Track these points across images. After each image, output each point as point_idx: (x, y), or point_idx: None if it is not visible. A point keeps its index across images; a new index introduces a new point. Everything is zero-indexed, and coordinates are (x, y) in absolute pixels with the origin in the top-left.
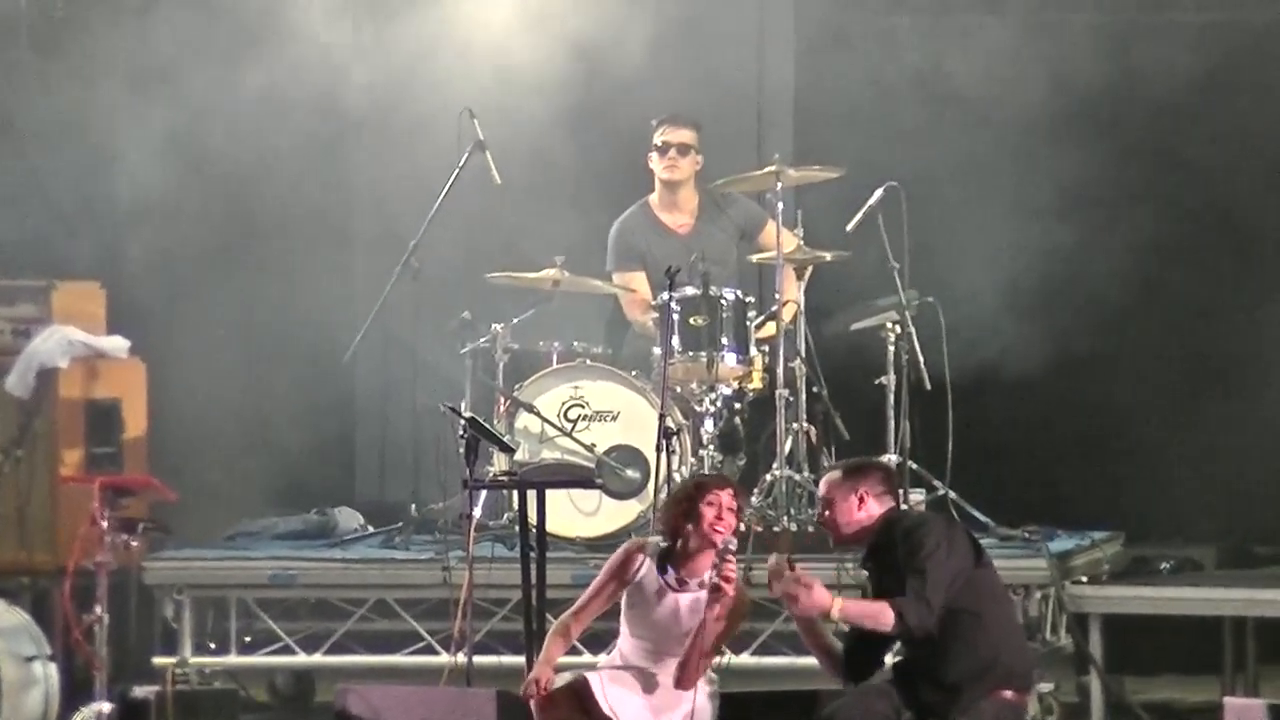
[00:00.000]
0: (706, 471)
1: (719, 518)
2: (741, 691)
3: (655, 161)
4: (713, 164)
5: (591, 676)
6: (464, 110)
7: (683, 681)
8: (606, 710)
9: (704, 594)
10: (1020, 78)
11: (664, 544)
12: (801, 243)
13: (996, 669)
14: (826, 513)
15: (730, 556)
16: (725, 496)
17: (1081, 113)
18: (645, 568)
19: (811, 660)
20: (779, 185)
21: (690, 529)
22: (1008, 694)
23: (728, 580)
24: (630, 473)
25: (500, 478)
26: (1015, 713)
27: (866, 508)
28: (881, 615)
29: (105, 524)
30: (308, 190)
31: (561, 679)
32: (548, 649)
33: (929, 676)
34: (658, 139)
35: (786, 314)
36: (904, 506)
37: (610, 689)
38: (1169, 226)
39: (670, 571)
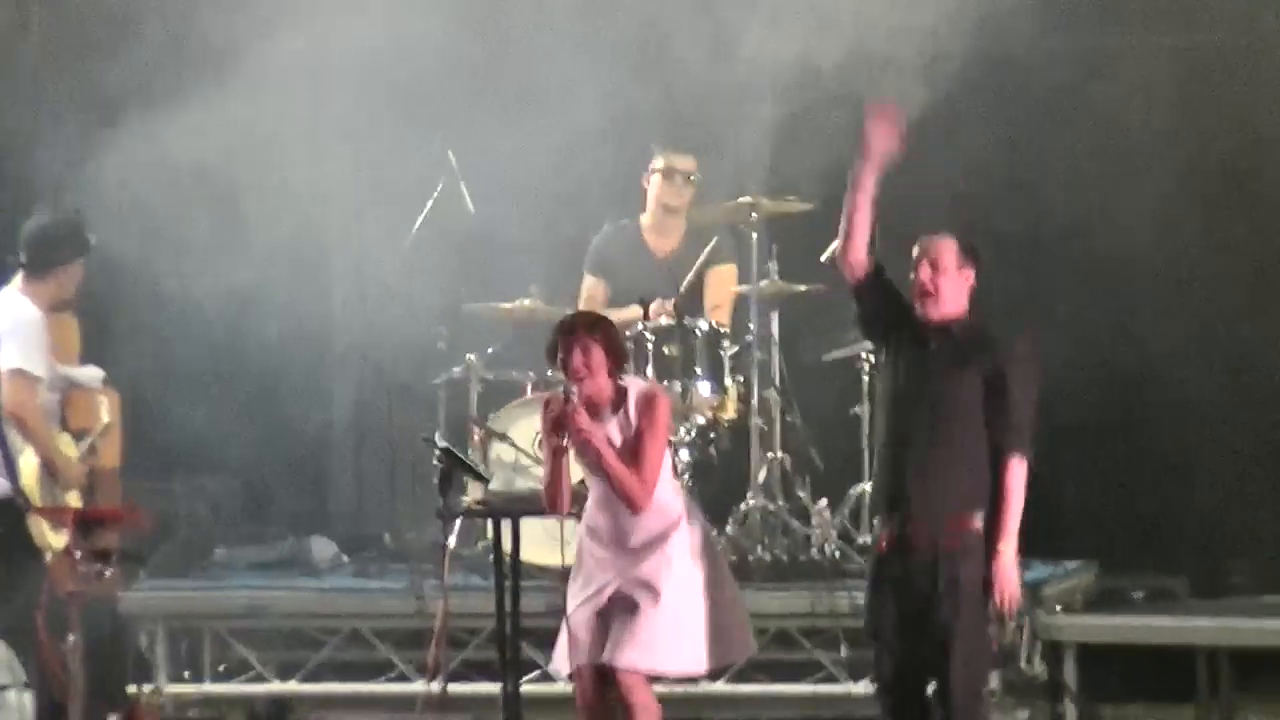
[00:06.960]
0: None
1: (574, 374)
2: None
3: (658, 185)
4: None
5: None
6: (438, 138)
7: (631, 505)
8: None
9: (623, 417)
10: (995, 106)
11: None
12: (776, 275)
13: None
14: (934, 276)
15: (568, 403)
16: (576, 354)
17: (1060, 140)
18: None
19: (786, 688)
20: (754, 216)
21: None
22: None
23: (576, 430)
24: None
25: (474, 507)
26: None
27: (968, 295)
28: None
29: (79, 554)
30: (284, 219)
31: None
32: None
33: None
34: (660, 163)
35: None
36: None
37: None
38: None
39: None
